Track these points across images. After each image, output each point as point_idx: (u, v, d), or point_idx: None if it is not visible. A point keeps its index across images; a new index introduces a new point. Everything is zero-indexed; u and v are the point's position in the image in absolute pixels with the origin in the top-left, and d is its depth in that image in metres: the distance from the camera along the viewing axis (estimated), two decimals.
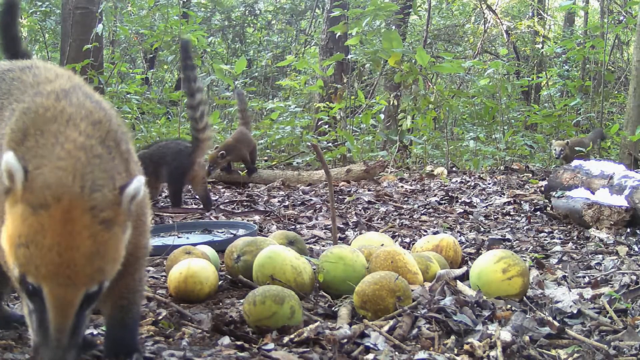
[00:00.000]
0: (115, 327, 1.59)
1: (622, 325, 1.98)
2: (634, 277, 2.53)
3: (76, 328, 1.27)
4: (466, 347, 1.70)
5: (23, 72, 1.56)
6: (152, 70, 12.75)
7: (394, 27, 9.15)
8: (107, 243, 1.25)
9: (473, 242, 3.34)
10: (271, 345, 1.73)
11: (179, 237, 3.35)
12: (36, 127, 1.33)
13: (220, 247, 2.80)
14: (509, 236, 3.54)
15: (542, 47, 12.05)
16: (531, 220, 4.01)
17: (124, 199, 1.28)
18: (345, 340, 1.72)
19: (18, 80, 1.54)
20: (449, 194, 5.11)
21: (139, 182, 1.30)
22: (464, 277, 2.41)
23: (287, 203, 4.83)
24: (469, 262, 2.80)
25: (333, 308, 2.13)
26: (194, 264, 2.28)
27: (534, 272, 2.64)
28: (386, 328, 1.84)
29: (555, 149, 7.28)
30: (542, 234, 3.61)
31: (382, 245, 2.62)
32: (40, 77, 1.52)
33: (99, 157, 1.31)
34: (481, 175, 6.50)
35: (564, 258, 2.99)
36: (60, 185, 1.22)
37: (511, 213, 4.33)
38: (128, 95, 8.33)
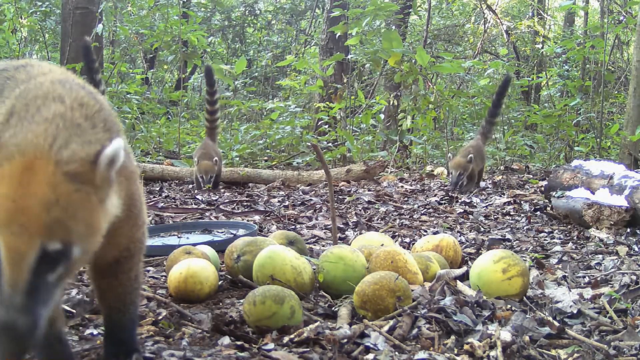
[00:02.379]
0: (113, 327, 1.59)
1: (622, 325, 1.98)
2: (634, 277, 2.53)
3: (34, 291, 1.15)
4: (466, 347, 1.70)
5: (17, 71, 1.54)
6: (152, 70, 12.76)
7: (394, 27, 9.15)
8: (73, 197, 1.17)
9: (473, 242, 3.34)
10: (271, 345, 1.73)
11: (179, 237, 3.35)
12: (23, 104, 1.30)
13: (220, 247, 2.80)
14: (509, 236, 3.54)
15: (542, 47, 12.05)
16: (531, 220, 4.01)
17: (101, 159, 1.20)
18: (345, 340, 1.72)
19: (12, 79, 1.52)
20: (449, 194, 5.11)
21: (118, 144, 1.22)
22: (464, 277, 2.41)
23: (287, 203, 4.83)
24: (469, 262, 2.80)
25: (333, 308, 2.13)
26: (194, 264, 2.28)
27: (534, 272, 2.64)
28: (386, 328, 1.84)
29: (451, 173, 5.28)
30: (542, 234, 3.61)
31: (382, 245, 2.62)
32: (33, 72, 1.50)
33: (79, 127, 1.26)
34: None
35: (564, 258, 2.98)
36: (28, 142, 1.19)
37: (511, 213, 4.33)
38: (128, 95, 8.35)
